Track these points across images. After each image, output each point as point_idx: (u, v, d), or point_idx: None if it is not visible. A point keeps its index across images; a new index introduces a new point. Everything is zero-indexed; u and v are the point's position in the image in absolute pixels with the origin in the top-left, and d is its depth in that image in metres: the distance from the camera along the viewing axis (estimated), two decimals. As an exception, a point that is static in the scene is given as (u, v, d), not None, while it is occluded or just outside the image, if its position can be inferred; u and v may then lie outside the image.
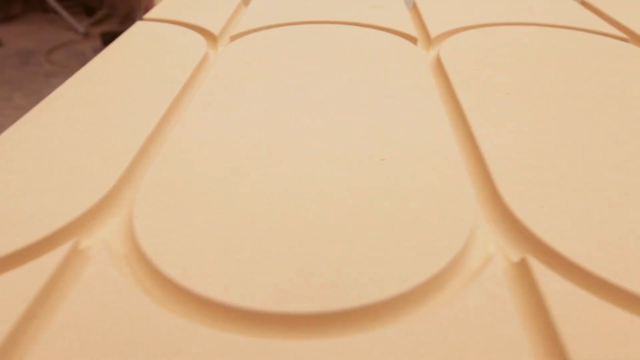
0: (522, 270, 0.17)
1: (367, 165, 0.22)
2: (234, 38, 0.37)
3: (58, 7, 1.85)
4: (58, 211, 0.19)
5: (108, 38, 1.61)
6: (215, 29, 0.38)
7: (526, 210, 0.19)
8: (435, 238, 0.18)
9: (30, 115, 0.26)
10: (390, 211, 0.19)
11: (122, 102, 0.27)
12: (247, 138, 0.24)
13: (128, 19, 1.72)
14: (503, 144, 0.23)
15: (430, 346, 0.14)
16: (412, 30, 0.38)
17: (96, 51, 1.59)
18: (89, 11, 1.95)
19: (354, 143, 0.24)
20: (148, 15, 0.41)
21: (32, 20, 1.98)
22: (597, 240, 0.18)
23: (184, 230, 0.18)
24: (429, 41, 0.37)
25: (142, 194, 0.20)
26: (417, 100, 0.28)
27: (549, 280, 0.16)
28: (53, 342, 0.14)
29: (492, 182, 0.21)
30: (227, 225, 0.18)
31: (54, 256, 0.17)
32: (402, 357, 0.14)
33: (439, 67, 0.33)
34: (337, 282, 0.16)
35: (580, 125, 0.25)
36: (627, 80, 0.30)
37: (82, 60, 1.61)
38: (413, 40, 0.37)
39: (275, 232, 0.18)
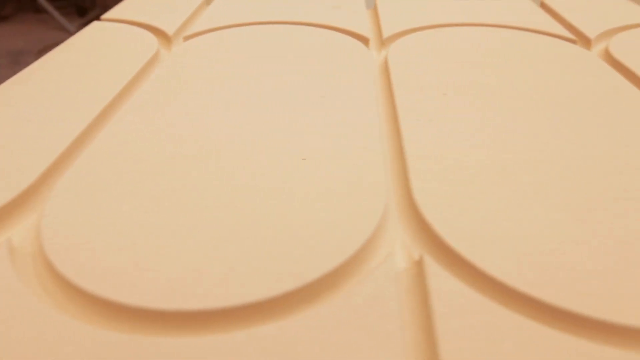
0: (419, 268, 0.17)
1: (286, 164, 0.22)
2: (187, 38, 0.38)
3: (49, 8, 1.85)
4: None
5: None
6: (169, 29, 0.39)
7: (434, 209, 0.20)
8: (336, 236, 0.18)
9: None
10: (296, 209, 0.19)
11: (57, 101, 0.27)
12: (174, 139, 0.24)
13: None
14: (427, 144, 0.24)
15: (308, 344, 0.15)
16: (366, 31, 0.38)
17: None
18: (81, 12, 1.96)
19: (278, 143, 0.24)
20: (106, 15, 0.41)
21: (24, 20, 1.99)
22: (496, 240, 0.18)
23: (88, 230, 0.18)
24: (382, 42, 0.38)
25: (56, 194, 0.20)
26: (353, 101, 0.28)
27: (439, 278, 0.17)
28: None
29: (408, 181, 0.21)
30: (132, 225, 0.19)
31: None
32: (278, 355, 0.14)
33: (386, 67, 0.33)
34: (228, 279, 0.16)
35: (509, 125, 0.25)
36: (565, 82, 0.30)
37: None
38: (365, 41, 0.37)
39: (178, 232, 0.18)
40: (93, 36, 0.37)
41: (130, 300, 0.16)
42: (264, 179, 0.21)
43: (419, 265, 0.18)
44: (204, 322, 0.15)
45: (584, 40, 0.38)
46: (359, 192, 0.20)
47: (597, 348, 0.14)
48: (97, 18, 0.41)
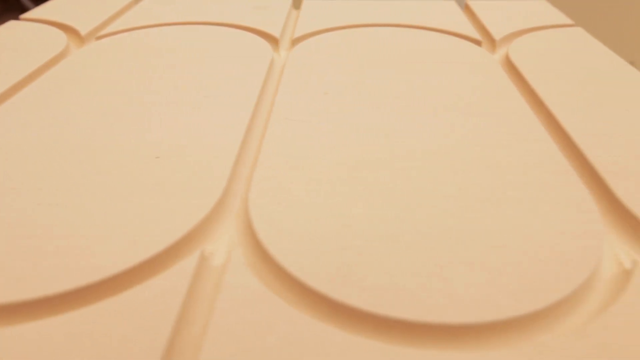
0: (228, 264, 0.18)
1: (137, 162, 0.23)
2: (99, 38, 0.38)
3: (33, 8, 1.85)
4: None
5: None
6: (83, 29, 0.39)
7: (261, 207, 0.20)
8: (153, 230, 0.18)
9: None
10: (121, 204, 0.20)
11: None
12: (36, 137, 0.24)
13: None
14: (285, 143, 0.24)
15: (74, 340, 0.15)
16: (278, 31, 0.39)
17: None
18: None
19: (134, 142, 0.24)
20: (25, 15, 0.41)
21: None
22: (305, 237, 0.18)
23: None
24: (291, 42, 0.38)
25: None
26: (232, 101, 0.28)
27: (236, 275, 0.17)
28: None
29: (249, 180, 0.22)
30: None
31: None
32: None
33: (284, 67, 0.33)
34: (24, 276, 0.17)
35: (377, 125, 0.26)
36: (453, 83, 0.30)
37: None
38: (274, 41, 0.38)
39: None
40: (2, 34, 0.38)
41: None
42: (110, 175, 0.21)
43: (228, 261, 0.18)
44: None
45: (489, 42, 0.38)
46: (192, 189, 0.21)
47: (372, 344, 0.15)
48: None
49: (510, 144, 0.24)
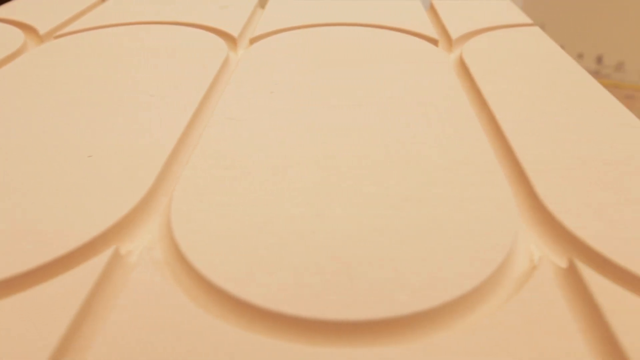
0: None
1: (68, 161, 0.23)
2: (58, 37, 0.38)
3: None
4: None
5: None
6: (42, 28, 0.39)
7: (184, 204, 0.20)
8: (69, 230, 0.19)
9: None
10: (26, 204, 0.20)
11: None
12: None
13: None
14: (219, 142, 0.24)
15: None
16: (236, 31, 0.39)
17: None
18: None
19: (70, 140, 0.24)
20: (-14, 13, 0.42)
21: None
22: (215, 236, 0.19)
23: None
24: (249, 41, 0.38)
25: None
26: (175, 101, 0.28)
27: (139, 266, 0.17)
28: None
29: (179, 178, 0.22)
30: None
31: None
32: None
33: (236, 66, 0.34)
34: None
35: (316, 124, 0.26)
36: (402, 82, 0.30)
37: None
38: (233, 41, 0.38)
39: None
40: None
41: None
42: (39, 173, 0.22)
43: (140, 259, 0.18)
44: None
45: (447, 42, 0.38)
46: (118, 188, 0.21)
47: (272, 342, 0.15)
48: None
49: (444, 143, 0.24)
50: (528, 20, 0.40)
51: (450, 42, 0.38)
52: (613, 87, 1.59)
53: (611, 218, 0.19)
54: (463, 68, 0.33)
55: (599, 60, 1.66)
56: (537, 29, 0.38)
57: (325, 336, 0.15)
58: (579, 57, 1.70)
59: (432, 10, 0.46)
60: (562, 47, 1.72)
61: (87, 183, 0.21)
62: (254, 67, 0.32)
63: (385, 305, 0.16)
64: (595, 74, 1.64)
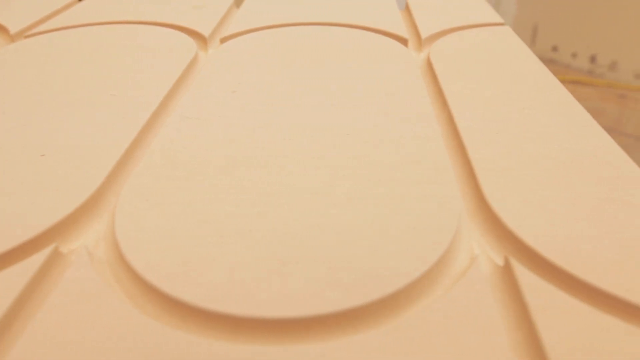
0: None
1: (19, 160, 0.23)
2: (28, 36, 0.38)
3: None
4: None
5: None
6: (14, 27, 0.39)
7: (127, 204, 0.20)
8: (11, 228, 0.19)
9: None
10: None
11: None
12: None
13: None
14: (176, 140, 0.24)
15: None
16: (207, 31, 0.39)
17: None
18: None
19: (26, 139, 0.24)
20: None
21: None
22: (151, 235, 0.19)
23: None
24: (220, 41, 0.38)
25: None
26: (138, 99, 0.28)
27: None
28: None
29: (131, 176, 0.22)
30: None
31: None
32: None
33: (204, 66, 0.34)
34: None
35: (273, 123, 0.26)
36: (366, 81, 0.30)
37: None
38: (203, 40, 0.38)
39: None
40: None
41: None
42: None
43: (78, 257, 0.18)
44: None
45: (417, 41, 0.38)
46: (66, 187, 0.21)
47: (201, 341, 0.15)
48: None
49: (399, 142, 0.24)
50: (499, 20, 0.40)
51: (420, 41, 0.38)
52: (606, 87, 1.59)
53: (551, 217, 0.19)
54: (430, 67, 0.33)
55: (593, 59, 1.66)
56: (507, 28, 0.38)
57: (252, 334, 0.15)
58: (573, 56, 1.70)
59: (407, 9, 0.46)
60: (556, 47, 1.72)
61: (36, 182, 0.21)
62: (221, 67, 0.32)
63: (314, 303, 0.16)
64: (589, 74, 1.65)
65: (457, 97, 0.28)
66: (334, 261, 0.17)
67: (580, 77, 1.63)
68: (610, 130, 1.41)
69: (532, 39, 1.79)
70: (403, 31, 0.39)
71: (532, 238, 0.18)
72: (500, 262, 0.18)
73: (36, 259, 0.17)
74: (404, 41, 0.37)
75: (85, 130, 0.25)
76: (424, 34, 0.38)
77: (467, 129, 0.25)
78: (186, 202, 0.20)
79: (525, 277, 0.17)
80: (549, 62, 1.78)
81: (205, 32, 0.38)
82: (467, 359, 0.14)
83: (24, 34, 0.39)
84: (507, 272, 0.17)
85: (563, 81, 1.60)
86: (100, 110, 0.27)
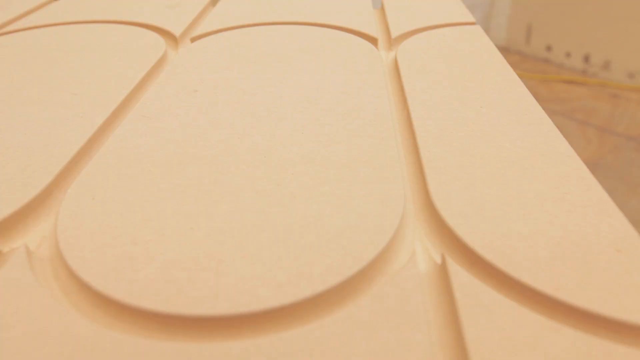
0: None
1: (-29, 159, 0.23)
2: (2, 34, 0.38)
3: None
4: None
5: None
6: (-15, 27, 0.39)
7: (72, 203, 0.20)
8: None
9: None
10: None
11: None
12: None
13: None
14: (126, 138, 0.24)
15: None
16: (178, 30, 0.39)
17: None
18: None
19: (-20, 138, 0.24)
20: None
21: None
22: (89, 232, 0.19)
23: None
24: (191, 40, 0.38)
25: None
26: (99, 98, 0.28)
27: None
28: None
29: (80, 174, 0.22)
30: None
31: None
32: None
33: (170, 66, 0.34)
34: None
35: (227, 121, 0.26)
36: (329, 81, 0.30)
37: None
38: (174, 40, 0.38)
39: None
40: None
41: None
42: None
43: (15, 255, 0.18)
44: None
45: (387, 40, 0.38)
46: (15, 186, 0.21)
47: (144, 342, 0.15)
48: None
49: (349, 141, 0.24)
50: (471, 19, 0.40)
51: (390, 40, 0.38)
52: (599, 86, 1.59)
53: (490, 215, 0.19)
54: (396, 67, 0.34)
55: (586, 59, 1.66)
56: (477, 27, 0.38)
57: (183, 332, 0.15)
58: (567, 56, 1.70)
59: (382, 8, 0.46)
60: (550, 46, 1.72)
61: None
62: (187, 66, 0.33)
63: (245, 300, 0.16)
64: (583, 73, 1.65)
65: (417, 96, 0.28)
66: (270, 259, 0.17)
67: (574, 76, 1.63)
68: (603, 129, 1.41)
69: (526, 39, 1.79)
70: (373, 30, 0.39)
71: (469, 236, 0.18)
72: (439, 260, 0.18)
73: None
74: (373, 40, 0.37)
75: (40, 130, 0.25)
76: (394, 34, 0.38)
77: (421, 127, 0.25)
78: (131, 201, 0.20)
79: (458, 274, 0.17)
80: (543, 61, 1.79)
81: (177, 32, 0.39)
82: (385, 356, 0.14)
83: (-5, 33, 0.39)
84: (443, 270, 0.17)
85: (556, 80, 1.60)
86: (59, 110, 0.27)
